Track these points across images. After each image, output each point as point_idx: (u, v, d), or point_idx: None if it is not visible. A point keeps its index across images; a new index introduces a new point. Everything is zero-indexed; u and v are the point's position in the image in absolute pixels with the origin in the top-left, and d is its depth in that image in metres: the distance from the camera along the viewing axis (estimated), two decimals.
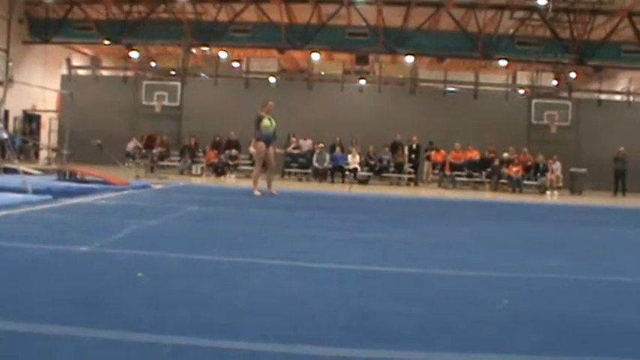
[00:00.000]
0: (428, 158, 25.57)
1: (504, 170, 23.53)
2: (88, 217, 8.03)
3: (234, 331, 3.17)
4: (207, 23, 28.25)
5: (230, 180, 22.66)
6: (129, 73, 31.27)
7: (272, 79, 29.65)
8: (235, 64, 33.06)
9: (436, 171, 25.00)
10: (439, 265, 5.64)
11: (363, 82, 29.99)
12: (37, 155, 28.64)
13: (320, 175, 24.00)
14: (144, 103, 28.57)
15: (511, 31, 27.38)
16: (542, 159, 24.17)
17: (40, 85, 25.10)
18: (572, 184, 24.00)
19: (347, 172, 23.98)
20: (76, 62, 32.51)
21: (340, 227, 8.42)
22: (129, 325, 3.14)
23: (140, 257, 5.19)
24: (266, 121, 13.53)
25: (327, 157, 24.19)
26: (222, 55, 31.78)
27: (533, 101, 28.32)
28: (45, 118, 30.33)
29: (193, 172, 24.44)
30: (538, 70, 29.80)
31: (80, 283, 4.09)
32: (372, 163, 24.52)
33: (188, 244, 6.11)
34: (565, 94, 29.90)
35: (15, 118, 28.44)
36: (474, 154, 24.52)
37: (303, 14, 27.68)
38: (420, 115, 27.56)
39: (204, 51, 32.19)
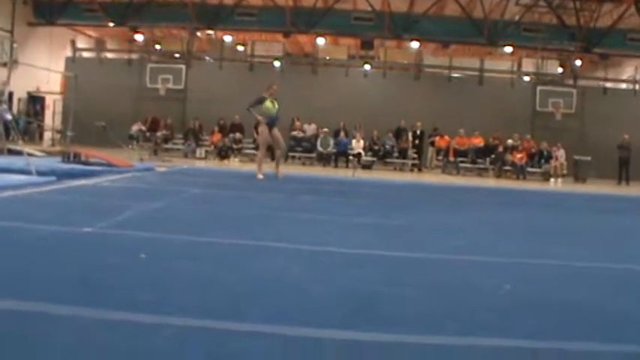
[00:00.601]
0: (432, 144, 25.52)
1: (508, 157, 23.50)
2: (91, 198, 8.05)
3: (237, 312, 3.18)
4: (213, 6, 28.10)
5: (234, 163, 22.67)
6: (133, 56, 31.14)
7: (277, 63, 29.57)
8: (240, 48, 32.97)
9: (440, 157, 24.96)
10: (442, 250, 5.65)
11: (367, 67, 29.87)
12: (41, 137, 28.63)
13: (324, 159, 24.00)
14: (148, 85, 28.50)
15: (517, 17, 27.22)
16: (547, 146, 24.13)
17: (45, 66, 25.07)
18: (576, 172, 23.96)
19: (351, 157, 23.96)
20: (80, 44, 32.42)
21: (344, 212, 8.43)
22: (131, 305, 3.15)
23: (143, 239, 5.20)
24: (269, 104, 13.51)
25: (331, 141, 24.18)
26: (227, 38, 31.66)
27: (538, 88, 28.20)
28: (49, 100, 30.30)
29: (197, 155, 24.45)
30: (543, 57, 29.63)
31: (83, 264, 4.10)
32: (376, 148, 24.51)
33: (191, 227, 6.12)
34: (570, 82, 29.76)
35: (19, 100, 28.44)
36: (479, 141, 24.48)
37: None
38: (424, 101, 27.48)
39: (209, 34, 32.08)
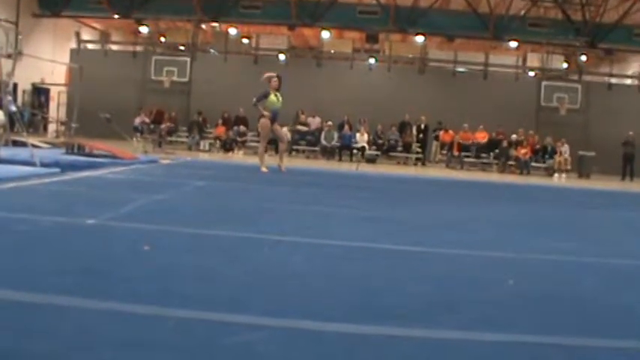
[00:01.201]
0: (436, 138, 25.52)
1: (512, 152, 23.48)
2: (95, 190, 8.06)
3: (239, 305, 3.18)
4: None
5: (238, 156, 22.67)
6: (138, 48, 31.17)
7: (281, 56, 29.55)
8: (245, 41, 32.94)
9: (444, 151, 24.95)
10: (445, 244, 5.64)
11: (372, 60, 29.85)
12: (45, 128, 28.67)
13: (328, 152, 24.02)
14: (153, 78, 28.54)
15: (522, 12, 27.18)
16: (551, 141, 24.09)
17: (50, 58, 25.07)
18: (580, 168, 23.93)
19: (355, 151, 23.97)
20: (85, 36, 32.42)
21: (347, 205, 8.42)
22: (134, 297, 3.16)
23: (146, 231, 5.21)
24: (273, 97, 13.52)
25: (336, 135, 24.18)
26: (232, 31, 31.65)
27: (543, 83, 28.16)
28: (54, 92, 30.34)
29: (201, 147, 24.46)
30: (549, 52, 29.57)
31: (86, 256, 4.10)
32: (380, 142, 24.50)
33: (195, 219, 6.13)
34: (575, 77, 29.71)
35: (24, 91, 28.46)
36: (483, 136, 24.45)
37: None
38: (429, 95, 27.47)
39: (213, 27, 32.06)
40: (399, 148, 24.65)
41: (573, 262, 5.16)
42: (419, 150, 24.76)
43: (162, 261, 4.10)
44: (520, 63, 30.93)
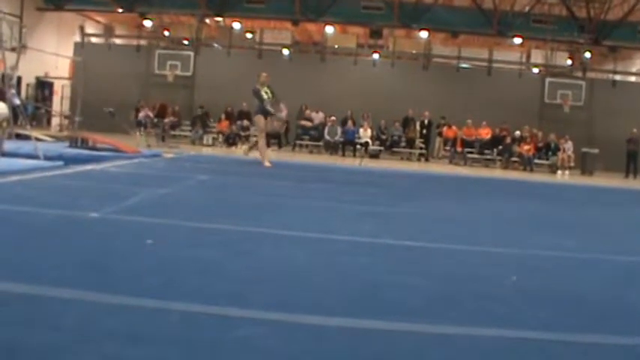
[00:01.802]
0: (440, 134, 25.47)
1: (516, 148, 23.45)
2: (98, 183, 8.06)
3: (242, 299, 3.19)
4: None
5: (241, 151, 22.65)
6: (142, 42, 31.14)
7: (285, 51, 29.51)
8: (249, 36, 32.90)
9: (447, 147, 24.91)
10: (448, 240, 5.64)
11: (376, 56, 29.78)
12: (49, 122, 28.64)
13: (331, 148, 23.98)
14: (156, 72, 28.50)
15: (527, 8, 27.10)
16: (554, 138, 24.05)
17: (53, 52, 25.05)
18: (584, 165, 23.87)
19: (358, 146, 23.95)
20: (89, 30, 32.39)
21: (350, 200, 8.43)
22: (137, 290, 3.17)
23: (150, 224, 5.22)
24: (263, 93, 13.72)
25: (339, 130, 24.15)
26: (236, 25, 31.61)
27: (547, 80, 28.08)
28: (57, 85, 30.30)
29: (204, 142, 24.45)
30: (553, 48, 29.49)
31: (89, 249, 4.11)
32: (383, 137, 24.48)
33: (198, 213, 6.13)
34: (579, 74, 29.63)
35: (28, 85, 28.44)
36: (486, 132, 24.41)
37: None
38: (432, 90, 27.39)
39: (217, 21, 32.02)
40: (403, 144, 24.59)
41: (576, 259, 5.17)
42: (422, 146, 24.70)
43: (165, 254, 4.11)
44: (524, 59, 30.83)
